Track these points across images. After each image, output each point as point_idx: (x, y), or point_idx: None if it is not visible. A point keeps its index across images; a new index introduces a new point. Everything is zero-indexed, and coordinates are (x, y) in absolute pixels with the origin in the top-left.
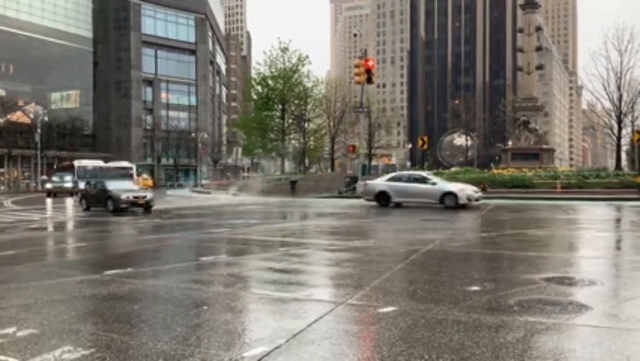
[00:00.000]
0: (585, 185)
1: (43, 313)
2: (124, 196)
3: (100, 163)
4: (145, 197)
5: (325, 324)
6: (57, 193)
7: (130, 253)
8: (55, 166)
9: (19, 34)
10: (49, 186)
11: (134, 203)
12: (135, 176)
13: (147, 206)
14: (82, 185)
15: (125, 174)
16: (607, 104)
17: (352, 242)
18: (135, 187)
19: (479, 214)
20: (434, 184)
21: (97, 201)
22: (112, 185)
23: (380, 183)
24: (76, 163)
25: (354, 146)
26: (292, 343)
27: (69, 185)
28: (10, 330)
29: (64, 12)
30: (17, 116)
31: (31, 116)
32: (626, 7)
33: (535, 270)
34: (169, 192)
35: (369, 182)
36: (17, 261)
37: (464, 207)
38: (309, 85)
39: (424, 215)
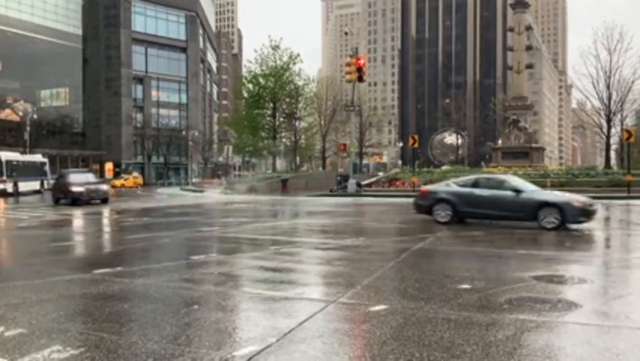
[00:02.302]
0: (574, 184)
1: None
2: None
3: (18, 156)
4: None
5: (316, 323)
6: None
7: (119, 251)
8: None
9: (7, 31)
10: (78, 189)
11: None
12: (48, 173)
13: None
14: (10, 185)
15: (41, 169)
16: (597, 103)
17: (343, 240)
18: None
19: None
20: None
21: (499, 209)
22: (530, 187)
23: None
24: (2, 156)
25: (345, 145)
26: (282, 342)
27: (104, 188)
28: None
29: (54, 9)
30: (5, 114)
31: (20, 113)
32: (616, 4)
33: (525, 268)
34: (159, 190)
35: None
36: None
37: None
38: (300, 83)
39: None
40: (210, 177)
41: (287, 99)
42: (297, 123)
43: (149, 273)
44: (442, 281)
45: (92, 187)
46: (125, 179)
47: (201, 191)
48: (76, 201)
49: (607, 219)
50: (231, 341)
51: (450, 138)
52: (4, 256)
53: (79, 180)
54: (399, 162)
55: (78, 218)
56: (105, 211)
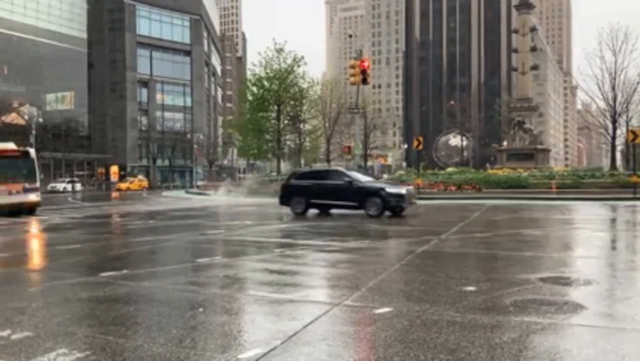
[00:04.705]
0: (580, 185)
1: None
2: None
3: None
4: None
5: (321, 325)
6: None
7: (125, 254)
8: None
9: (13, 35)
10: (398, 191)
11: None
12: None
13: None
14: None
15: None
16: (602, 104)
17: (348, 243)
18: None
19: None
20: None
21: None
22: None
23: None
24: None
25: (349, 147)
26: (287, 344)
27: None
28: (4, 333)
29: (59, 13)
30: (11, 118)
31: (26, 117)
32: (621, 6)
33: (531, 270)
34: (164, 193)
35: None
36: None
37: None
38: (304, 86)
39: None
40: (215, 180)
41: (292, 102)
42: (301, 126)
43: (154, 276)
44: (447, 283)
45: (412, 190)
46: (131, 182)
47: (206, 194)
48: (391, 209)
49: (613, 220)
50: (236, 344)
51: (455, 140)
52: None
53: (367, 177)
54: (404, 164)
55: None
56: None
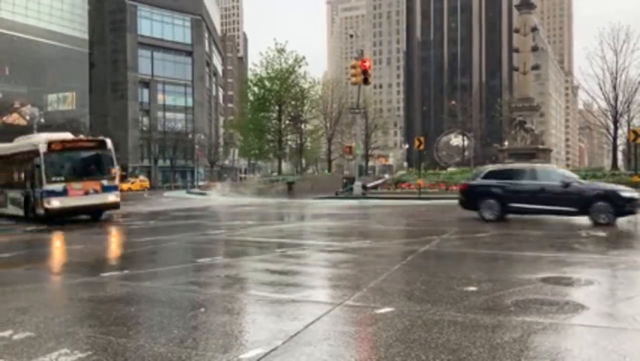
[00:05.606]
0: None
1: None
2: None
3: None
4: None
5: (323, 325)
6: None
7: (124, 255)
8: None
9: (14, 35)
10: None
11: None
12: None
13: None
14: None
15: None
16: (603, 104)
17: (349, 243)
18: None
19: None
20: None
21: None
22: None
23: None
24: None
25: (350, 147)
26: (289, 344)
27: None
28: (6, 333)
29: (60, 13)
30: (13, 118)
31: (27, 117)
32: (622, 6)
33: (532, 270)
34: (166, 193)
35: None
36: None
37: None
38: (305, 86)
39: None
40: (216, 181)
41: (293, 102)
42: (302, 126)
43: (155, 276)
44: (449, 283)
45: None
46: (132, 183)
47: (208, 194)
48: (621, 216)
49: None
50: (238, 344)
51: (456, 140)
52: None
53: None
54: (405, 164)
55: None
56: None
